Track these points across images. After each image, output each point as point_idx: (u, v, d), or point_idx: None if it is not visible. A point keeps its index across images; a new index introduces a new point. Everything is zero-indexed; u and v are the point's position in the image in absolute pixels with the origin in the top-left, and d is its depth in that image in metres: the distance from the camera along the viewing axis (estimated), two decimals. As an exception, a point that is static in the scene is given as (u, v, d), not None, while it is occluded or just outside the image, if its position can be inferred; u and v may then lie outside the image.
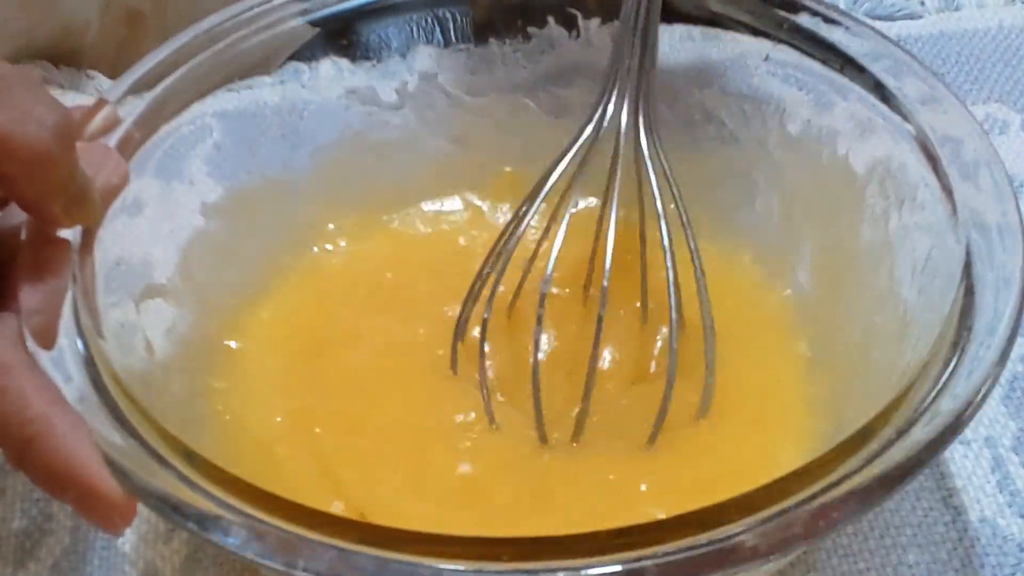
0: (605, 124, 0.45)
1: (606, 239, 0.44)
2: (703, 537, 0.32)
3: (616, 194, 0.45)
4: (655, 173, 0.45)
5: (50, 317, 0.36)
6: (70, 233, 0.39)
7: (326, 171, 0.49)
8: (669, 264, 0.44)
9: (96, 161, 0.38)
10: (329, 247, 0.50)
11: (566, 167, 0.45)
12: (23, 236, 0.38)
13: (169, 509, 0.33)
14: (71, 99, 0.52)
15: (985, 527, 0.44)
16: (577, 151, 0.45)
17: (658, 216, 0.44)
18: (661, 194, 0.44)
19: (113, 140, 0.42)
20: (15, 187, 0.35)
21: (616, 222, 0.44)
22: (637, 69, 0.44)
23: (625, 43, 0.44)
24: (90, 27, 0.60)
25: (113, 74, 0.60)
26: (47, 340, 0.36)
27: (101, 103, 0.42)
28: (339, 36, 0.49)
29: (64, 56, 0.60)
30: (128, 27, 0.61)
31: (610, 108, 0.45)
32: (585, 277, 0.48)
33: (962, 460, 0.46)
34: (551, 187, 0.45)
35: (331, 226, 0.50)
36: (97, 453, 0.33)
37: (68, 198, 0.36)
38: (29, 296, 0.36)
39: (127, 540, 0.44)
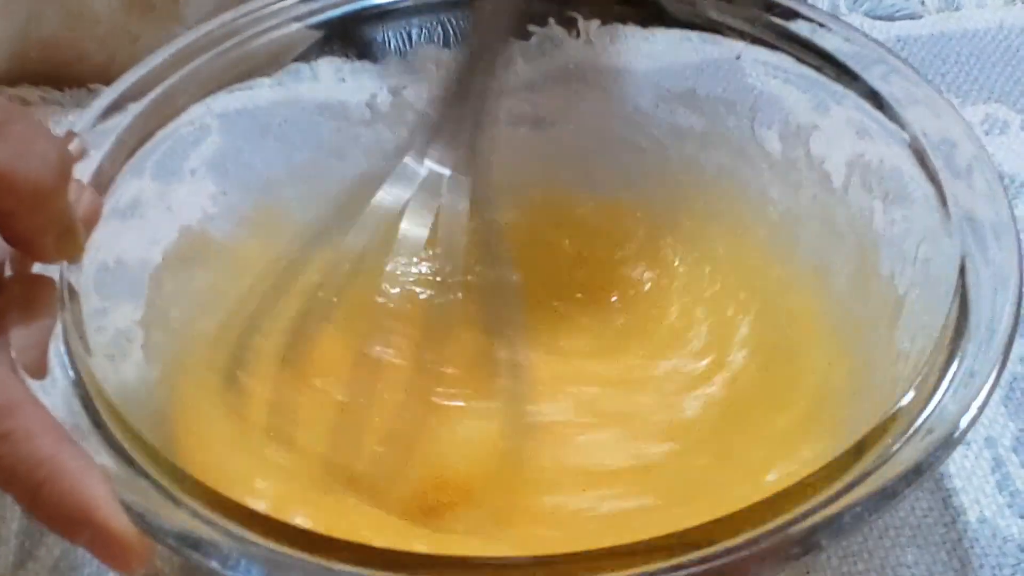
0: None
1: None
2: (696, 555, 0.32)
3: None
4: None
5: (41, 352, 0.36)
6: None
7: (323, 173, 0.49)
8: None
9: (73, 195, 0.38)
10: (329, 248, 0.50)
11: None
12: (8, 272, 0.37)
13: (187, 548, 0.33)
14: (71, 119, 0.51)
15: (985, 528, 0.44)
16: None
17: None
18: None
19: (97, 159, 0.42)
20: (11, 222, 0.34)
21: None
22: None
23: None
24: (100, 20, 0.60)
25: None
26: (38, 373, 0.36)
27: (70, 135, 0.42)
28: (340, 38, 0.49)
29: (68, 50, 0.60)
30: (138, 17, 0.61)
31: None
32: None
33: (962, 460, 0.46)
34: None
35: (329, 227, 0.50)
36: (110, 492, 0.33)
37: (58, 232, 0.36)
38: (21, 335, 0.36)
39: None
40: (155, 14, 0.59)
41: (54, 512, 0.32)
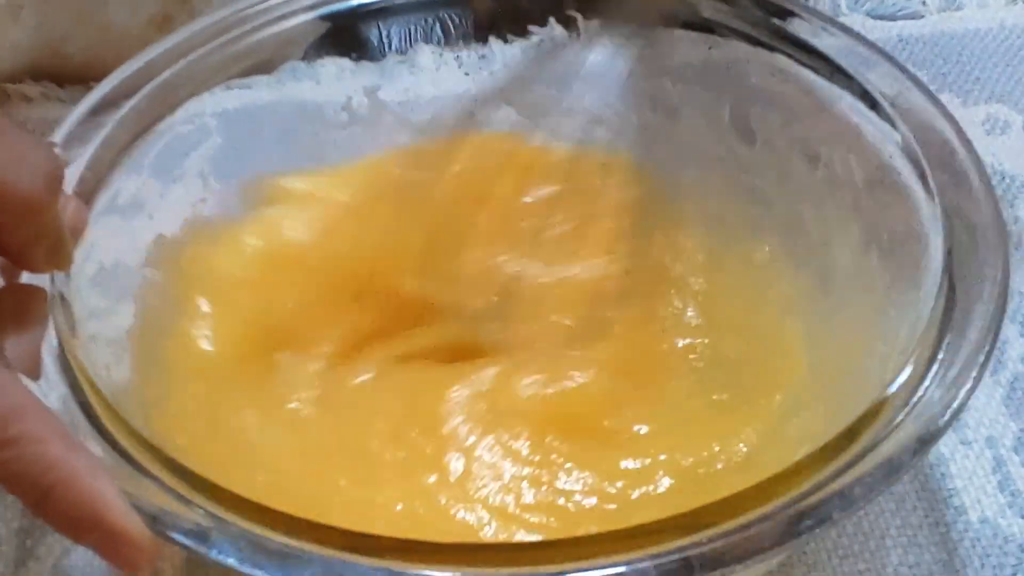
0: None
1: None
2: (685, 541, 0.32)
3: None
4: None
5: (33, 360, 0.36)
6: None
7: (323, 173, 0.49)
8: None
9: (60, 205, 0.37)
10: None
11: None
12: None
13: (200, 545, 0.33)
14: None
15: (986, 528, 0.44)
16: None
17: None
18: None
19: (89, 155, 0.42)
20: (1, 233, 0.34)
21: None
22: None
23: None
24: (122, 35, 0.60)
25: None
26: (31, 378, 0.36)
27: (51, 146, 0.42)
28: (340, 35, 0.49)
29: (91, 65, 0.60)
30: (158, 31, 0.61)
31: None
32: None
33: (963, 460, 0.46)
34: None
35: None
36: (119, 492, 0.33)
37: (49, 244, 0.36)
38: (14, 343, 0.35)
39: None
40: (174, 26, 0.59)
41: (64, 515, 0.32)
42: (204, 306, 0.45)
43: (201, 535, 0.33)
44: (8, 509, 0.44)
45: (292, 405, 0.43)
